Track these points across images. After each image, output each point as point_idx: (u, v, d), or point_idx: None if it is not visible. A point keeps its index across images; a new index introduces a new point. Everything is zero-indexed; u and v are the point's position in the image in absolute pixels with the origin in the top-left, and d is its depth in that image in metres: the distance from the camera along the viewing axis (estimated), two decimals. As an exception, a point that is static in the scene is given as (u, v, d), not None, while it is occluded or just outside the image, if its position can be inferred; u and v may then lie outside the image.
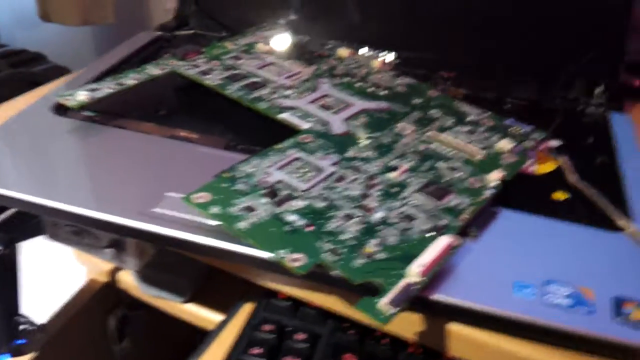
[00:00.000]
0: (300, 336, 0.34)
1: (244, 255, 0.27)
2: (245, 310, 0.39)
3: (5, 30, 1.03)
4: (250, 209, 0.27)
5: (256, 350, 0.33)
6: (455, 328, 0.28)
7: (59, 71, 0.84)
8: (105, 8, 0.97)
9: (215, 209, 0.27)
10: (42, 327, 0.43)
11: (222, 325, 0.39)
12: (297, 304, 0.36)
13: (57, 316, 0.49)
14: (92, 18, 0.97)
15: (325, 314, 0.35)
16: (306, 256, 0.25)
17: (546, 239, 0.30)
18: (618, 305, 0.26)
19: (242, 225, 0.26)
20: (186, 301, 0.46)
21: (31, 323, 0.42)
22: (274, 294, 0.37)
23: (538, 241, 0.29)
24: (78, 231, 0.36)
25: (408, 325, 0.29)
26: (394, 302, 0.24)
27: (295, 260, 0.25)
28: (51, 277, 0.58)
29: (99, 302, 0.53)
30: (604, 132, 0.40)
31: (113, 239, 0.37)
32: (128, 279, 0.49)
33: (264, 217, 0.27)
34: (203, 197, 0.28)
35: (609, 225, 0.31)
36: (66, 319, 0.50)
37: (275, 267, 0.26)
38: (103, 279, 0.52)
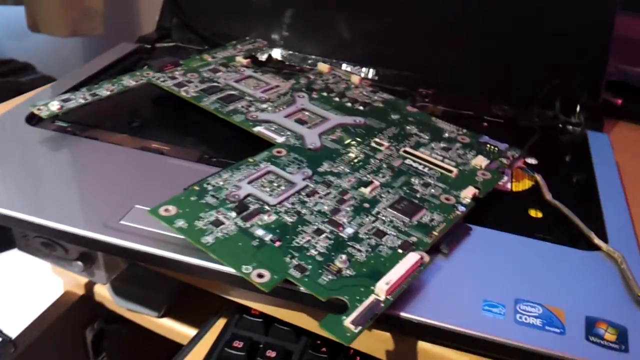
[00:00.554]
0: (271, 354, 0.33)
1: (209, 270, 0.27)
2: (219, 325, 0.38)
3: (-5, 40, 1.03)
4: (217, 223, 0.27)
5: (224, 368, 0.32)
6: (424, 347, 0.27)
7: (46, 81, 0.84)
8: (94, 19, 0.97)
9: (180, 223, 0.27)
10: (13, 341, 0.42)
11: (194, 340, 0.38)
12: (271, 321, 0.35)
13: (30, 329, 0.48)
14: (81, 29, 0.97)
15: (299, 331, 0.34)
16: (272, 272, 0.25)
17: (519, 257, 0.29)
18: (590, 325, 0.26)
19: (207, 239, 0.26)
20: (161, 316, 0.45)
21: (2, 336, 0.42)
22: (247, 309, 0.36)
23: (510, 259, 0.29)
24: (47, 243, 0.35)
25: (378, 344, 0.29)
26: (358, 321, 0.23)
27: (261, 276, 0.25)
28: (27, 290, 0.58)
29: (75, 315, 0.52)
30: (582, 150, 0.40)
31: (82, 252, 0.37)
32: (105, 292, 0.49)
33: (231, 231, 0.27)
34: (169, 210, 0.27)
35: (584, 243, 0.31)
36: (40, 332, 0.49)
37: (241, 283, 0.25)
38: (79, 291, 0.51)
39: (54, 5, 0.92)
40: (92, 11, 0.97)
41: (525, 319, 0.26)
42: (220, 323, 0.38)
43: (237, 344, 0.34)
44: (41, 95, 0.42)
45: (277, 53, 0.50)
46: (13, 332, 0.44)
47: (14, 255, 0.50)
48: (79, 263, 0.37)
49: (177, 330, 0.46)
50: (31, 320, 0.49)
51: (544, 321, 0.26)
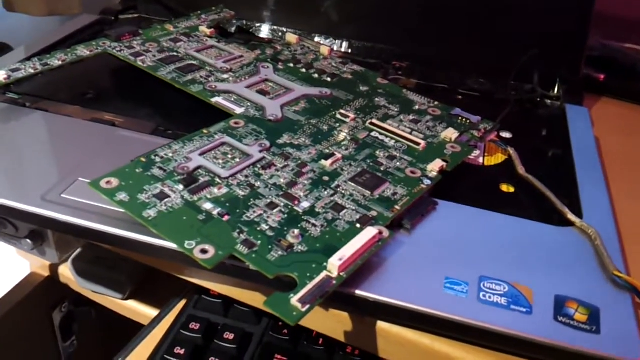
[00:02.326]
0: (230, 336, 0.32)
1: (152, 246, 0.25)
2: (179, 307, 0.36)
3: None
4: (162, 196, 0.25)
5: (179, 351, 0.30)
6: (383, 327, 0.26)
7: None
8: (71, -1, 0.94)
9: (122, 196, 0.25)
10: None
11: (154, 322, 0.37)
12: (231, 302, 0.34)
13: (-9, 311, 0.47)
14: (58, 8, 0.94)
15: (260, 313, 0.33)
16: (217, 248, 0.23)
17: (486, 233, 0.28)
18: (560, 305, 0.24)
19: (149, 213, 0.24)
20: (125, 298, 0.44)
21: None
22: (207, 290, 0.34)
23: (477, 235, 0.28)
24: (-4, 220, 0.33)
25: (336, 324, 0.27)
26: (306, 299, 0.22)
27: (204, 251, 0.23)
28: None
29: (40, 296, 0.50)
30: (559, 124, 0.39)
31: (32, 229, 0.35)
32: (70, 274, 0.47)
33: (177, 205, 0.25)
34: (111, 182, 0.25)
35: (558, 219, 0.29)
36: (3, 313, 0.47)
37: (185, 260, 0.24)
38: (45, 273, 0.50)
39: (29, -18, 0.89)
40: (69, -10, 0.94)
41: (490, 297, 0.24)
42: (181, 304, 0.37)
43: (194, 325, 0.32)
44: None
45: (244, 23, 0.47)
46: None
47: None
48: (28, 241, 0.35)
49: (143, 312, 0.44)
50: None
51: (510, 300, 0.24)
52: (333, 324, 0.27)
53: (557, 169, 0.34)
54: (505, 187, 0.32)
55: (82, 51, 0.38)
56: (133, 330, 0.45)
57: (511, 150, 0.34)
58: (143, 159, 0.27)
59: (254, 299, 0.30)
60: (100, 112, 0.35)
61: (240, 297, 0.31)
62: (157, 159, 0.27)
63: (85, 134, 0.32)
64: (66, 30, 0.46)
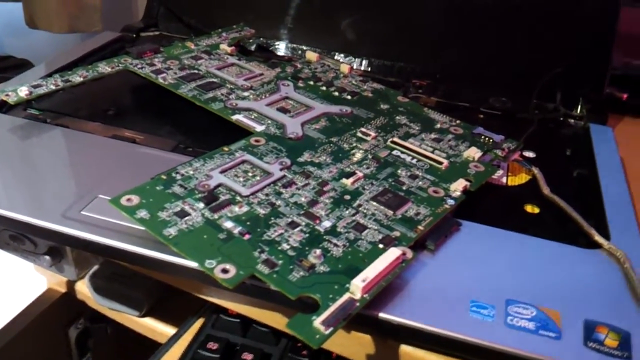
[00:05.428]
0: (248, 356, 0.31)
1: (172, 265, 0.25)
2: (197, 325, 0.36)
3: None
4: (183, 214, 0.25)
5: (196, 371, 0.30)
6: (407, 351, 0.25)
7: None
8: (92, 16, 0.95)
9: (142, 213, 0.24)
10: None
11: (171, 340, 0.36)
12: (249, 322, 0.33)
13: (10, 326, 0.47)
14: (78, 25, 0.96)
15: (279, 333, 0.32)
16: (238, 267, 0.23)
17: (512, 255, 0.27)
18: (589, 330, 0.24)
19: (170, 231, 0.24)
20: (142, 315, 0.43)
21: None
22: (225, 309, 0.34)
23: (503, 257, 0.27)
24: (15, 236, 0.33)
25: (358, 347, 0.26)
26: (329, 321, 0.21)
27: (225, 271, 0.23)
28: (8, 289, 0.56)
29: (57, 313, 0.50)
30: (584, 144, 0.38)
31: (51, 246, 0.35)
32: (87, 291, 0.47)
33: (197, 223, 0.25)
34: (131, 200, 0.25)
35: (584, 241, 0.29)
36: (20, 329, 0.47)
37: (206, 279, 0.23)
38: (62, 289, 0.49)
39: (51, 1, 0.91)
40: (90, 7, 0.95)
41: (517, 321, 0.24)
42: (199, 323, 0.36)
43: (212, 345, 0.32)
44: (13, 82, 0.40)
45: (264, 41, 0.48)
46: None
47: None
48: (47, 257, 0.35)
49: (160, 330, 0.44)
50: (8, 319, 0.47)
51: (538, 324, 0.24)
52: (355, 346, 0.27)
53: (583, 190, 0.33)
54: (530, 208, 0.31)
55: (103, 68, 0.38)
56: (149, 348, 0.44)
57: (535, 170, 0.33)
58: (164, 177, 0.27)
59: (273, 319, 0.29)
60: (121, 129, 0.35)
61: (259, 317, 0.30)
62: (178, 177, 0.27)
63: (105, 151, 0.32)
64: (87, 47, 0.46)
